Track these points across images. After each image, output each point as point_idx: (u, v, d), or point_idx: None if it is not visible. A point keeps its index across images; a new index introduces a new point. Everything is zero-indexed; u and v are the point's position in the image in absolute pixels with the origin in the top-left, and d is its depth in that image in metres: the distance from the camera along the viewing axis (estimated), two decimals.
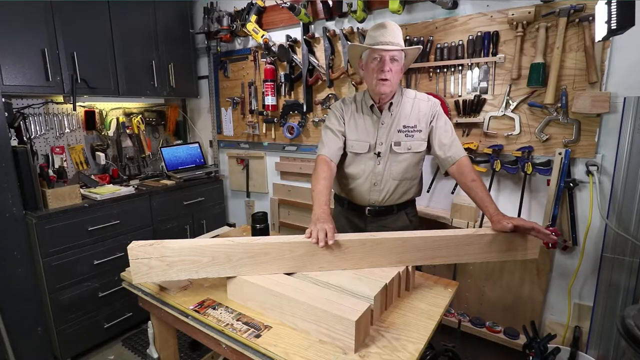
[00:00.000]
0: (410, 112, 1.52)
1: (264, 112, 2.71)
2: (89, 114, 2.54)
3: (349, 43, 2.23)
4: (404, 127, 1.51)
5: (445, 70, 1.99)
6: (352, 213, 1.67)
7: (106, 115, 2.67)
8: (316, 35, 2.39)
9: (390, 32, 1.40)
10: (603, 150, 1.72)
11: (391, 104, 1.51)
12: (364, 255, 1.23)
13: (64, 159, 2.43)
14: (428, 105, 1.52)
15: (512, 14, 1.73)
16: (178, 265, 1.18)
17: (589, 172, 1.74)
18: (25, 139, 2.18)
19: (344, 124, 1.58)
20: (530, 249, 1.26)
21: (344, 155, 1.59)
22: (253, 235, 1.58)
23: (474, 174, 1.41)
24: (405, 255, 1.24)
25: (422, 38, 2.01)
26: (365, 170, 1.56)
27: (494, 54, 1.85)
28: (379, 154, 1.53)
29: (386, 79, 1.40)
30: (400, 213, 1.63)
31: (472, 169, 1.43)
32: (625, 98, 1.61)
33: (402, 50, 1.41)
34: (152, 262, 1.16)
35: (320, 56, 2.39)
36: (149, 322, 1.46)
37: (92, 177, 2.49)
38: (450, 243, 1.25)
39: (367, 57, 1.45)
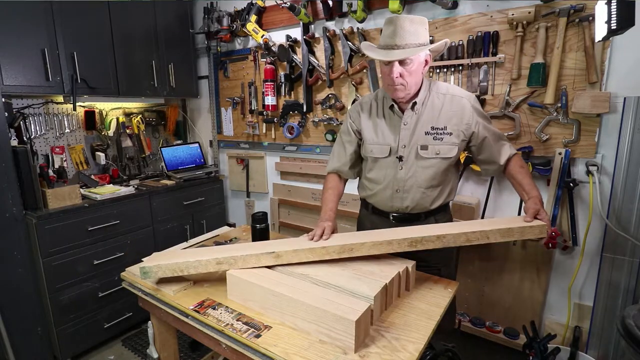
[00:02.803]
0: (440, 112, 1.37)
1: (264, 112, 2.71)
2: (89, 114, 2.54)
3: (349, 43, 2.23)
4: (432, 128, 1.36)
5: (445, 70, 1.99)
6: (377, 218, 1.55)
7: (106, 115, 2.67)
8: (316, 35, 2.39)
9: (399, 32, 1.25)
10: (603, 150, 1.72)
11: (415, 102, 1.37)
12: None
13: (64, 159, 2.43)
14: (461, 105, 1.36)
15: (512, 14, 1.73)
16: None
17: (589, 172, 1.74)
18: (25, 139, 2.18)
19: (358, 131, 1.52)
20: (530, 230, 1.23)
21: (365, 160, 1.55)
22: (253, 235, 1.58)
23: (522, 161, 1.42)
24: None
25: None
26: (387, 176, 1.44)
27: (494, 54, 1.85)
28: (400, 158, 1.40)
29: (396, 85, 1.31)
30: (428, 219, 1.47)
31: (520, 159, 1.43)
32: (625, 98, 1.61)
33: (407, 55, 1.26)
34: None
35: (320, 56, 2.39)
36: (149, 322, 1.46)
37: (92, 177, 2.49)
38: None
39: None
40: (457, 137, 1.37)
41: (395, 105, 1.41)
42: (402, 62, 1.28)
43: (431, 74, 2.03)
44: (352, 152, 1.56)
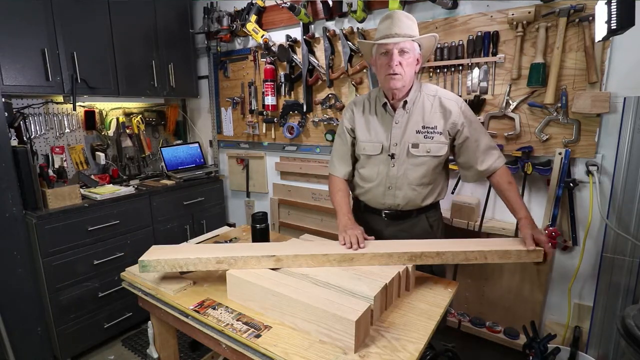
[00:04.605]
0: (430, 111, 1.42)
1: (264, 112, 2.71)
2: (89, 114, 2.54)
3: (349, 43, 2.23)
4: (423, 127, 1.41)
5: (445, 70, 1.99)
6: (369, 216, 1.59)
7: (106, 115, 2.67)
8: (316, 35, 2.39)
9: (397, 23, 1.32)
10: (603, 150, 1.72)
11: (405, 102, 1.42)
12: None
13: (64, 159, 2.43)
14: (450, 106, 1.41)
15: (512, 14, 1.73)
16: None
17: (589, 172, 1.74)
18: (25, 139, 2.18)
19: (352, 130, 1.55)
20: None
21: (358, 158, 1.58)
22: (253, 235, 1.58)
23: (510, 176, 1.43)
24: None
25: None
26: (379, 173, 1.49)
27: (494, 54, 1.85)
28: (392, 156, 1.45)
29: (395, 73, 1.33)
30: (420, 217, 1.53)
31: (508, 172, 1.44)
32: (625, 98, 1.61)
33: (411, 40, 1.33)
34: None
35: (320, 56, 2.39)
36: (149, 322, 1.46)
37: (92, 177, 2.49)
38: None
39: (376, 52, 1.40)
40: (446, 136, 1.42)
41: (388, 104, 1.45)
42: (400, 53, 1.33)
43: (431, 74, 2.03)
44: (352, 152, 1.59)
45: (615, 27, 1.28)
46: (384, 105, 1.46)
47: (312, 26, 2.42)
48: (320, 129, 2.52)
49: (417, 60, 1.39)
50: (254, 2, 2.54)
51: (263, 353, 0.99)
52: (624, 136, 1.62)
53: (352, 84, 2.29)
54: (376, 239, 1.43)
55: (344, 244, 1.31)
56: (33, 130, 2.29)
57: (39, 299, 2.01)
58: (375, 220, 1.58)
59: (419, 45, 1.38)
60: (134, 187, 2.47)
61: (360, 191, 1.59)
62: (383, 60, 1.36)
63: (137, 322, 2.41)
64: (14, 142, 2.04)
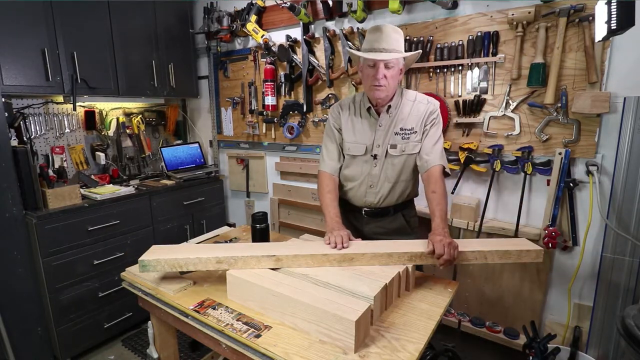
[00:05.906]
0: (408, 115, 1.51)
1: (264, 112, 2.71)
2: (89, 114, 2.54)
3: (349, 44, 2.23)
4: (401, 129, 1.51)
5: (445, 70, 1.99)
6: (350, 214, 1.67)
7: (106, 115, 2.67)
8: (316, 35, 2.39)
9: (385, 38, 1.39)
10: (603, 150, 1.72)
11: (389, 106, 1.50)
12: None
13: (64, 159, 2.43)
14: (425, 108, 1.51)
15: (512, 14, 1.73)
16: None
17: (589, 172, 1.74)
18: (25, 139, 2.17)
19: (339, 130, 1.60)
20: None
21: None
22: (253, 235, 1.58)
23: (437, 185, 1.43)
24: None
25: (422, 38, 2.01)
26: (362, 172, 1.57)
27: (494, 54, 1.85)
28: (375, 157, 1.53)
29: (380, 85, 1.41)
30: (397, 214, 1.63)
31: (438, 181, 1.44)
32: (625, 98, 1.61)
33: (397, 57, 1.40)
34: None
35: (320, 56, 2.39)
36: (149, 322, 1.46)
37: (92, 177, 2.49)
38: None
39: (363, 61, 1.46)
40: (419, 135, 1.52)
41: (372, 109, 1.52)
42: (386, 66, 1.40)
43: (431, 74, 2.03)
44: (340, 150, 1.64)
45: (615, 27, 1.28)
46: (369, 109, 1.53)
47: (312, 26, 2.42)
48: (320, 129, 2.52)
49: (401, 70, 1.47)
50: (254, 2, 2.55)
51: (263, 353, 0.99)
52: (624, 136, 1.62)
53: (352, 84, 2.29)
54: (357, 236, 1.47)
55: (329, 244, 1.34)
56: (33, 130, 2.29)
57: (39, 299, 2.01)
58: (355, 218, 1.67)
59: (404, 58, 1.45)
60: (134, 187, 2.47)
61: (342, 190, 1.65)
62: (369, 72, 1.43)
63: (137, 322, 2.41)
64: (14, 142, 2.03)
